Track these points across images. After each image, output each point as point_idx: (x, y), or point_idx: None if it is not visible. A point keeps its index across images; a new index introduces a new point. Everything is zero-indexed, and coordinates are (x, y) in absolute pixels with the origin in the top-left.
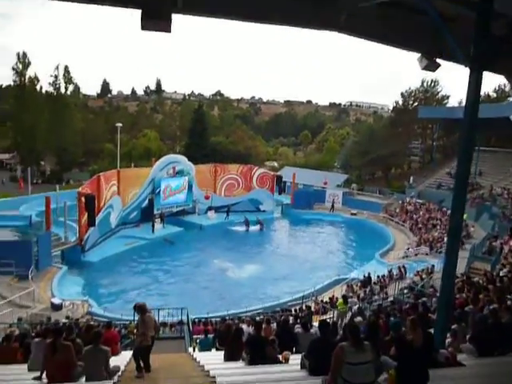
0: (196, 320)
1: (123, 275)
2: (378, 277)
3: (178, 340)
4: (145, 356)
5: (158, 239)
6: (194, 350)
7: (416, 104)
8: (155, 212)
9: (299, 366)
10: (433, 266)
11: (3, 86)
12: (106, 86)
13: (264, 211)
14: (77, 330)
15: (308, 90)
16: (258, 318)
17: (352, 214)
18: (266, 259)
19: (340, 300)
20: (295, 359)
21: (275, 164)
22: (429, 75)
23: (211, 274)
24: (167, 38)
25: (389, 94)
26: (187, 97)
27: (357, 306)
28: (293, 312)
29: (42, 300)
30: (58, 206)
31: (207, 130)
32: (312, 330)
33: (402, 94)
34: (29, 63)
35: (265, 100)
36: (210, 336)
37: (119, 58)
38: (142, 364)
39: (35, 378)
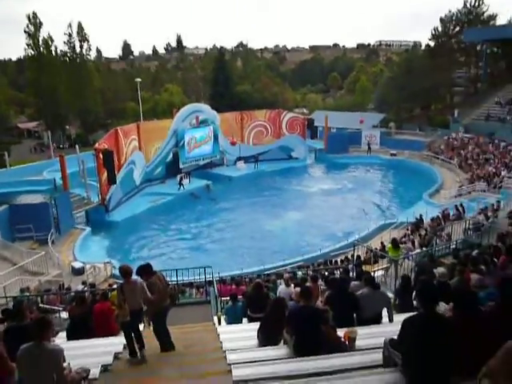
0: (226, 278)
1: (149, 234)
2: (433, 219)
3: (204, 305)
4: (134, 335)
5: (185, 194)
6: (219, 322)
7: (458, 29)
8: (181, 166)
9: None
10: (498, 201)
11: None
12: (127, 48)
13: (296, 158)
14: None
15: (333, 33)
16: (300, 273)
17: (392, 154)
18: (302, 208)
19: (389, 245)
20: (364, 338)
21: (304, 111)
22: None
23: (244, 227)
24: None
25: (420, 31)
26: (209, 50)
27: (414, 252)
28: (339, 263)
29: (61, 264)
30: (79, 168)
31: (231, 78)
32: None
33: (440, 20)
34: (40, 24)
35: (289, 47)
36: (240, 301)
37: (138, 18)
38: (136, 345)
39: None
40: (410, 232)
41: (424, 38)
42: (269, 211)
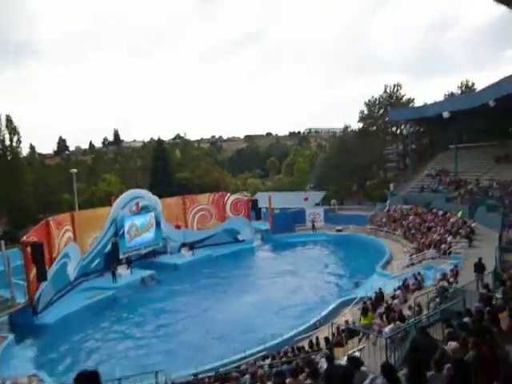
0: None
1: (87, 336)
2: (395, 289)
3: None
4: None
5: (126, 286)
6: None
7: (382, 111)
8: (121, 256)
9: None
10: (455, 266)
11: None
12: (62, 143)
13: (243, 241)
14: None
15: (266, 122)
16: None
17: (337, 230)
18: (255, 291)
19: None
20: None
21: (246, 193)
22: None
23: (196, 318)
24: (120, 87)
25: (345, 117)
26: (146, 143)
27: (388, 327)
28: (307, 348)
29: None
30: (5, 266)
31: (170, 166)
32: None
33: (365, 103)
34: None
35: (225, 137)
36: None
37: (74, 114)
38: None
39: None
40: (370, 307)
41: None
42: (220, 298)
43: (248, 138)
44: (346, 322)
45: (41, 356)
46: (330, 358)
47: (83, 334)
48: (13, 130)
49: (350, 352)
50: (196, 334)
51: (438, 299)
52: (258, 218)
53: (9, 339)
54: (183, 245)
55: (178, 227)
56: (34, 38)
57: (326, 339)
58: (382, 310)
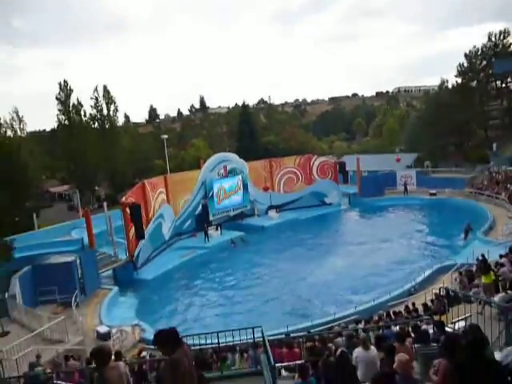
0: (275, 340)
1: (182, 292)
2: (501, 256)
3: (254, 378)
4: None
5: (217, 246)
6: None
7: (485, 63)
8: (211, 218)
9: None
10: None
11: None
12: (153, 112)
13: (330, 204)
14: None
15: (352, 83)
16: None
17: (431, 194)
18: (344, 256)
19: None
20: None
21: (332, 158)
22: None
23: (284, 279)
24: (204, 55)
25: (438, 73)
26: (231, 109)
27: (498, 296)
28: (403, 313)
29: (85, 330)
30: (107, 225)
31: (256, 131)
32: None
33: (465, 55)
34: (71, 90)
35: (309, 100)
36: (312, 378)
37: (162, 82)
38: None
39: None
40: (475, 275)
41: (449, 76)
42: (308, 261)
43: (332, 100)
44: (446, 288)
45: (141, 307)
46: (441, 325)
47: (178, 289)
48: (110, 99)
49: (454, 320)
50: (284, 295)
51: None
52: (346, 181)
53: (114, 291)
54: (270, 207)
55: (265, 189)
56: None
57: (425, 306)
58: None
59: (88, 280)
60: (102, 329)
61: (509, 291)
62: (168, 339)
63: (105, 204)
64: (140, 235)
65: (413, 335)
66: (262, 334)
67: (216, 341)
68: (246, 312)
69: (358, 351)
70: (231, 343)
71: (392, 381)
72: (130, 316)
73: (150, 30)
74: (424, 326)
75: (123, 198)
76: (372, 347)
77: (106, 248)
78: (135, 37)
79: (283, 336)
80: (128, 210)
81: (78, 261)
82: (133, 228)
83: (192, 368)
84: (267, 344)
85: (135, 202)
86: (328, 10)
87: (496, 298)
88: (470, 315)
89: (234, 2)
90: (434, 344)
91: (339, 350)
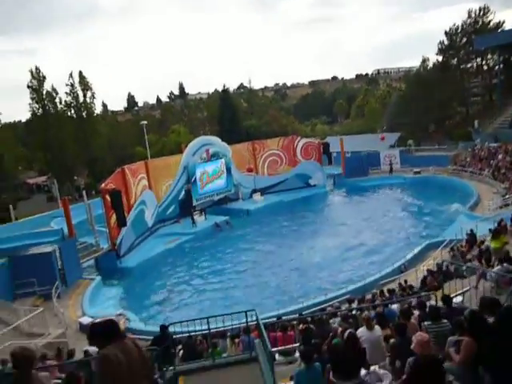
0: (268, 324)
1: (167, 279)
2: (490, 230)
3: (248, 364)
4: None
5: (202, 232)
6: None
7: (465, 40)
8: (194, 203)
9: None
10: None
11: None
12: (131, 99)
13: (314, 185)
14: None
15: (331, 66)
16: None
17: (415, 172)
18: (332, 236)
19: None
20: None
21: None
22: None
23: (272, 262)
24: (180, 41)
25: (417, 54)
26: (211, 94)
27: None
28: (396, 290)
29: (68, 322)
30: (87, 214)
31: (237, 115)
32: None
33: (445, 33)
34: (44, 78)
35: (289, 84)
36: (316, 362)
37: (140, 70)
38: None
39: None
40: (465, 249)
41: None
42: (294, 243)
43: (313, 83)
44: (438, 264)
45: (125, 296)
46: (449, 300)
47: (163, 276)
48: (86, 85)
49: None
50: (273, 278)
51: None
52: (330, 162)
53: (96, 281)
54: (254, 191)
55: (249, 170)
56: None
57: (423, 281)
58: (475, 252)
59: (69, 270)
60: (85, 320)
61: (505, 264)
62: (99, 332)
63: (84, 192)
64: (122, 222)
65: (417, 312)
66: (257, 317)
67: (206, 327)
68: (235, 297)
69: (361, 331)
70: (222, 328)
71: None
72: (115, 305)
73: (125, 17)
74: (428, 302)
75: (103, 185)
76: (376, 327)
77: (88, 238)
78: (109, 25)
79: (275, 319)
80: (108, 196)
81: (57, 251)
82: (114, 215)
83: (135, 368)
84: (262, 328)
85: (115, 188)
86: None
87: (493, 271)
88: (469, 289)
89: None
90: (445, 320)
91: (347, 332)
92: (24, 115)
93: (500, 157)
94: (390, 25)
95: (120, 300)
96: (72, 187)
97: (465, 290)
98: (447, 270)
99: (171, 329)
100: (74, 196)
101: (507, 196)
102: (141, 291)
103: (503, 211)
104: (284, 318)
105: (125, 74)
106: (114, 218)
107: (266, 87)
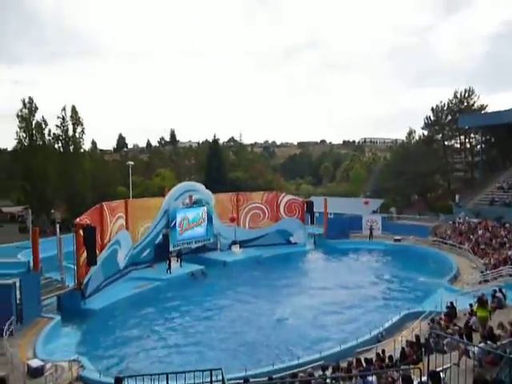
0: None
1: (133, 326)
2: (471, 305)
3: None
4: None
5: (175, 279)
6: None
7: (450, 118)
8: (171, 249)
9: None
10: None
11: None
12: (121, 140)
13: (295, 243)
14: None
15: (320, 130)
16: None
17: (396, 240)
18: (308, 298)
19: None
20: None
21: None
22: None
23: (245, 319)
24: (179, 88)
25: (402, 130)
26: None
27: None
28: (373, 361)
29: (15, 363)
30: (57, 248)
31: (224, 165)
32: None
33: (432, 109)
34: (36, 109)
35: (278, 143)
36: None
37: (133, 113)
38: None
39: None
40: (444, 322)
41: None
42: (268, 300)
43: (301, 144)
44: (417, 336)
45: (84, 341)
46: (437, 377)
47: (128, 323)
48: (77, 120)
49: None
50: (244, 335)
51: None
52: (312, 221)
53: (55, 320)
54: (234, 242)
55: (232, 220)
56: (95, 37)
57: (401, 354)
58: (456, 327)
59: (27, 306)
60: (35, 363)
61: (488, 342)
62: None
63: (57, 226)
64: (92, 261)
65: None
66: (223, 377)
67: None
68: (202, 352)
69: None
70: None
71: None
72: (71, 350)
73: (125, 61)
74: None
75: (78, 219)
76: None
77: (54, 273)
78: (109, 66)
79: (242, 382)
80: (81, 232)
81: (17, 284)
82: (84, 252)
83: None
84: None
85: (90, 224)
86: (299, 60)
87: (476, 348)
88: (450, 366)
89: (207, 40)
90: None
91: None
92: (10, 144)
93: (480, 232)
94: (378, 98)
95: (78, 344)
96: (48, 220)
97: (445, 366)
98: (427, 342)
99: (126, 383)
100: (49, 229)
101: (487, 272)
102: (102, 337)
103: (482, 286)
104: (252, 380)
105: (119, 116)
106: (84, 255)
107: (255, 143)
